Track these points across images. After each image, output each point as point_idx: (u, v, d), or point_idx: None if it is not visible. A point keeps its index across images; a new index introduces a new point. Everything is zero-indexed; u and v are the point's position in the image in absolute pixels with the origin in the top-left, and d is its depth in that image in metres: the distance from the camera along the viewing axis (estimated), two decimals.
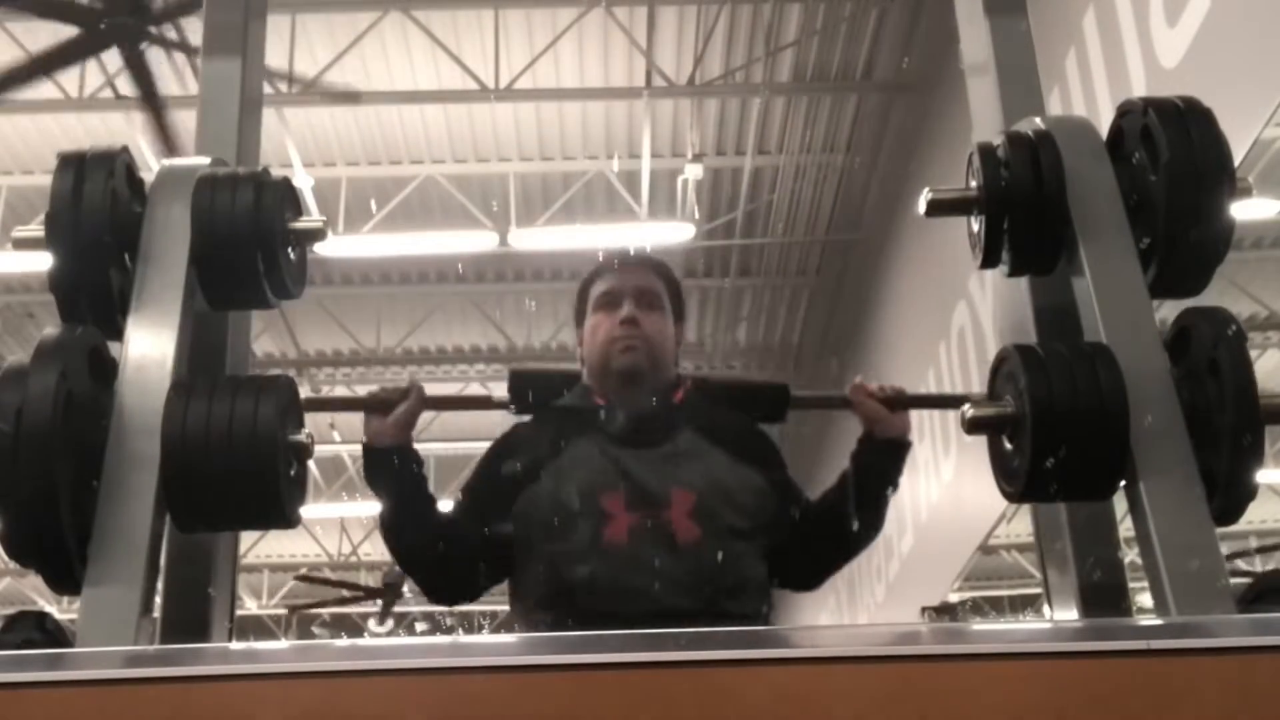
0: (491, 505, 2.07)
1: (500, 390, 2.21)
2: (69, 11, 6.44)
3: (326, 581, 12.39)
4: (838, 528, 2.12)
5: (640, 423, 2.09)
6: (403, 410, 2.02)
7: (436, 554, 2.04)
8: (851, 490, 2.11)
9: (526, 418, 2.20)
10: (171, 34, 6.40)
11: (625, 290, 2.16)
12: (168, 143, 6.27)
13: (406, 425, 2.03)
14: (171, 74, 6.61)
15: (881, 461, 2.11)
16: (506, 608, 2.12)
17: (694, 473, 2.05)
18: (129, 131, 7.35)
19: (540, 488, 2.03)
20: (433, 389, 2.12)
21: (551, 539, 1.99)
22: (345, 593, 12.35)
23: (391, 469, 2.03)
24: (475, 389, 10.56)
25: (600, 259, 2.26)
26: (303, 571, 13.27)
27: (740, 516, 2.03)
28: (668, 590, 1.93)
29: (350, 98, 7.22)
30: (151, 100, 6.32)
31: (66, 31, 6.30)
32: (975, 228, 2.04)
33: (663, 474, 2.03)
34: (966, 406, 1.88)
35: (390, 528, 2.06)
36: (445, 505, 2.13)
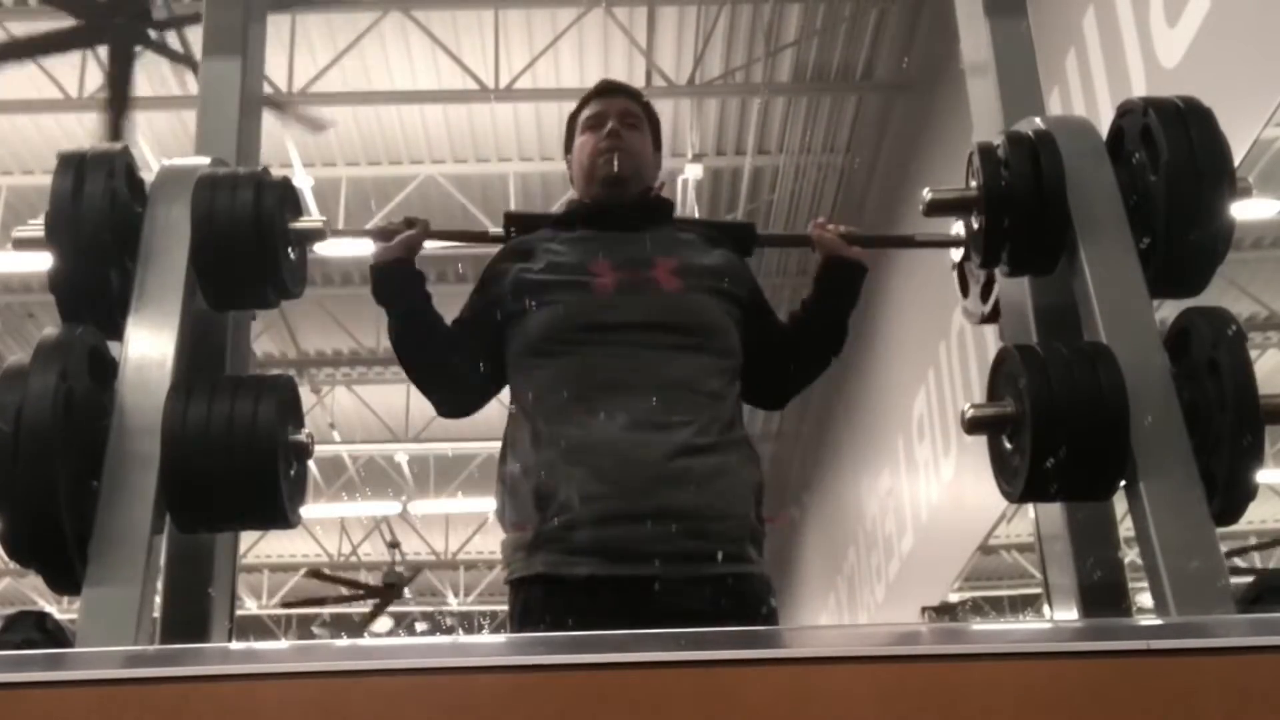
0: (491, 293, 2.21)
1: None
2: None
3: (333, 579, 12.41)
4: (803, 345, 2.33)
5: (624, 211, 2.27)
6: (407, 234, 2.17)
7: (441, 353, 2.18)
8: (814, 310, 2.32)
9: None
10: (172, 38, 6.41)
11: (610, 112, 2.32)
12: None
13: (409, 248, 2.18)
14: (171, 74, 6.62)
15: (841, 281, 2.34)
16: (505, 608, 2.12)
17: (676, 249, 2.23)
18: (129, 131, 7.35)
19: (533, 264, 2.19)
20: None
21: (545, 295, 2.14)
22: (345, 590, 12.36)
23: (394, 282, 2.17)
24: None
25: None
26: (304, 571, 13.28)
27: (721, 280, 2.21)
28: (653, 323, 2.10)
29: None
30: (119, 98, 6.34)
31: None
32: (975, 227, 2.04)
33: (647, 247, 2.21)
34: (967, 406, 1.88)
35: (397, 337, 2.19)
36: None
